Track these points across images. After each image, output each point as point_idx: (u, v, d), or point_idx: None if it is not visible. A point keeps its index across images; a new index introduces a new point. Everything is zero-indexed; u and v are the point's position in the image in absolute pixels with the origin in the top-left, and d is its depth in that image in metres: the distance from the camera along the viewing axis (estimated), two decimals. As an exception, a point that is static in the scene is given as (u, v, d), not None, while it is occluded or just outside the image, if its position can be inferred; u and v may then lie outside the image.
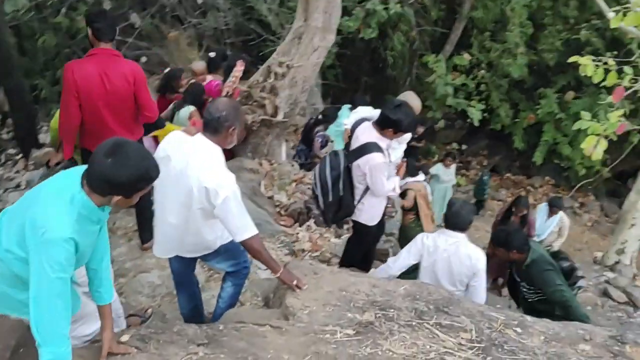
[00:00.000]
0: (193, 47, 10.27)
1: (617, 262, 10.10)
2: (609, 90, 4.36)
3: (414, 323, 3.32)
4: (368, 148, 4.38)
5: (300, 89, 6.53)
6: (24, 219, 2.36)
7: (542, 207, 8.98)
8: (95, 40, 4.21)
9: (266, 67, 6.44)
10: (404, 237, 6.26)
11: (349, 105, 8.95)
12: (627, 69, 4.35)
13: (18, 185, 6.62)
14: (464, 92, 13.55)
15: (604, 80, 4.21)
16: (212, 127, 3.22)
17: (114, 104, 4.26)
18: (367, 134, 4.45)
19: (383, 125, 4.37)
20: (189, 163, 3.16)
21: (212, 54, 7.36)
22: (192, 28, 10.12)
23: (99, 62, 4.17)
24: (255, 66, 8.11)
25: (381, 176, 4.43)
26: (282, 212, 6.25)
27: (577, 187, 9.57)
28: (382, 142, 4.43)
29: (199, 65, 6.71)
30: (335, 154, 4.69)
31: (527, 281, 4.77)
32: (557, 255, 5.31)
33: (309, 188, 6.60)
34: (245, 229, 3.21)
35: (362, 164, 4.41)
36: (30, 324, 2.37)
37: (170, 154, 3.25)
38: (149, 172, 2.44)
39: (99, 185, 2.37)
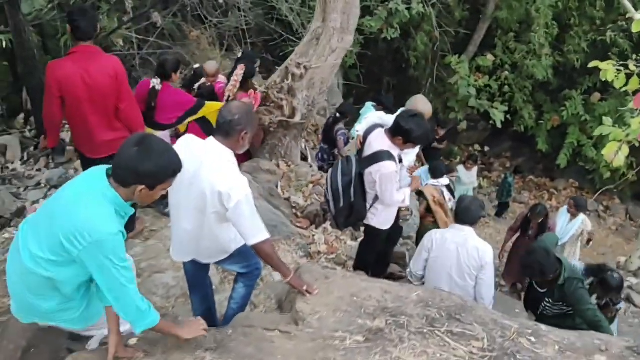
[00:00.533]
0: (214, 47, 10.28)
1: (640, 269, 9.94)
2: (635, 93, 4.25)
3: (425, 330, 3.27)
4: (380, 156, 4.35)
5: (318, 90, 6.50)
6: (53, 228, 2.44)
7: (564, 210, 8.78)
8: (73, 38, 4.28)
9: (284, 68, 6.42)
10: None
11: (372, 103, 8.88)
12: (650, 73, 4.23)
13: (38, 184, 6.68)
14: (487, 94, 13.41)
15: (626, 85, 4.09)
16: (224, 131, 3.20)
17: (96, 100, 4.33)
18: (379, 141, 4.42)
19: (394, 133, 4.33)
20: (202, 166, 3.15)
21: (240, 54, 7.38)
22: (214, 28, 10.13)
23: (79, 60, 4.24)
24: (276, 67, 8.13)
25: (391, 186, 4.39)
26: (299, 214, 6.23)
27: (601, 191, 9.42)
28: (394, 150, 4.40)
29: (211, 65, 6.67)
30: (347, 159, 4.65)
31: (559, 298, 4.61)
32: (604, 269, 5.15)
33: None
34: (257, 232, 3.20)
35: (373, 172, 4.39)
36: (118, 313, 2.62)
37: (182, 157, 3.25)
38: (173, 163, 2.57)
39: (125, 175, 2.47)
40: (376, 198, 4.57)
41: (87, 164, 4.55)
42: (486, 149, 17.00)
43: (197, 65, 7.23)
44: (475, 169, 11.20)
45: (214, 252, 3.55)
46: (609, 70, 4.03)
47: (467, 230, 4.49)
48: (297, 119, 6.42)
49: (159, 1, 9.41)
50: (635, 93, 4.38)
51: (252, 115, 3.36)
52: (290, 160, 6.87)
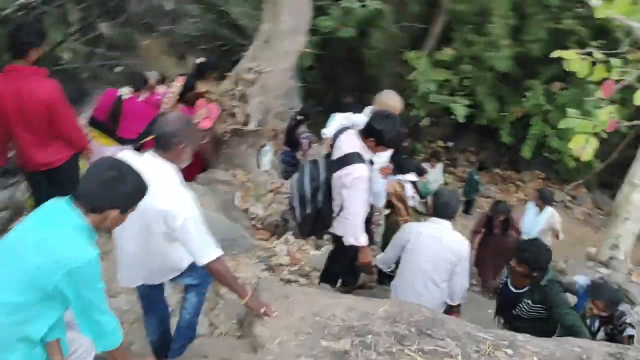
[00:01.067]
0: (167, 55, 9.95)
1: (611, 258, 9.84)
2: (600, 83, 4.08)
3: (394, 350, 3.03)
4: (350, 158, 4.01)
5: (273, 95, 6.24)
6: (19, 268, 2.30)
7: (531, 204, 8.68)
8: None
9: (234, 75, 6.13)
10: (386, 236, 5.96)
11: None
12: (615, 61, 4.06)
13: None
14: (448, 88, 13.30)
15: (590, 74, 3.91)
16: (161, 144, 3.00)
17: (29, 122, 4.21)
18: (350, 142, 4.09)
19: (366, 134, 4.02)
20: None
21: (199, 60, 7.09)
22: (165, 36, 9.79)
23: (14, 80, 4.11)
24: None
25: (359, 193, 4.05)
26: (259, 226, 5.96)
27: (575, 183, 9.33)
28: (366, 152, 4.08)
29: (151, 75, 6.28)
30: (314, 162, 4.32)
31: (539, 300, 4.42)
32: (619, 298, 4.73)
33: (285, 198, 6.30)
34: (207, 251, 2.99)
35: (342, 175, 4.02)
36: (83, 330, 2.49)
37: None
38: (145, 184, 2.52)
39: (98, 200, 2.40)
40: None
41: (28, 177, 4.69)
42: (450, 144, 16.92)
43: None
44: (439, 166, 11.08)
45: (165, 272, 3.35)
46: (573, 60, 3.85)
47: (445, 224, 4.39)
48: (252, 126, 6.15)
49: (106, 11, 9.05)
50: (600, 83, 4.22)
51: (191, 128, 3.15)
52: (247, 169, 6.59)
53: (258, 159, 7.14)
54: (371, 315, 3.35)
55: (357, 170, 3.97)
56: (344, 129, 4.26)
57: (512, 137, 15.10)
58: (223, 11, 9.91)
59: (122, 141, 5.47)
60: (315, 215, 4.30)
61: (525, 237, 8.32)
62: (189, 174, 5.28)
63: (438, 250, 4.32)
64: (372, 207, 4.72)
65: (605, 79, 3.77)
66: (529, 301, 4.47)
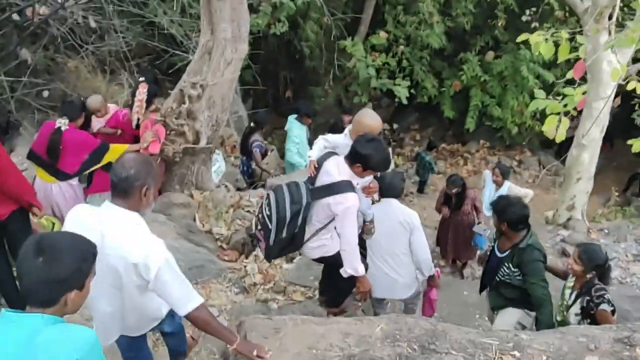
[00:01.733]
0: (96, 75, 9.47)
1: (569, 219, 10.03)
2: (528, 45, 4.01)
3: (400, 375, 2.88)
4: (343, 187, 3.94)
5: (220, 108, 5.95)
6: None
7: (489, 180, 8.69)
8: None
9: (178, 91, 5.81)
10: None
11: (295, 115, 8.58)
12: (581, 39, 4.00)
13: None
14: (387, 71, 13.25)
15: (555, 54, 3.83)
16: (120, 191, 2.73)
17: None
18: (339, 169, 4.02)
19: (353, 160, 3.95)
20: (105, 240, 2.67)
21: (141, 79, 6.75)
22: (91, 55, 9.30)
23: None
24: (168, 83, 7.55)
25: (353, 221, 4.00)
26: (225, 246, 5.71)
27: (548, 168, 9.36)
28: (354, 179, 4.03)
29: (94, 100, 5.92)
30: (296, 186, 4.14)
31: (517, 264, 4.42)
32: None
33: (248, 212, 6.07)
34: (187, 300, 2.77)
35: (333, 203, 3.93)
36: None
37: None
38: (87, 245, 2.19)
39: (44, 295, 2.06)
40: (318, 231, 4.13)
41: None
42: (395, 126, 16.93)
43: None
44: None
45: (144, 324, 3.15)
46: (539, 42, 3.75)
47: (393, 202, 4.87)
48: (203, 143, 5.86)
49: (26, 36, 8.52)
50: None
51: (151, 165, 2.87)
52: (203, 188, 6.30)
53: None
54: (369, 338, 3.19)
55: (349, 200, 3.91)
56: (330, 153, 4.19)
57: (454, 111, 15.23)
58: (151, 22, 9.47)
59: (62, 175, 5.19)
60: (289, 240, 4.16)
61: (486, 211, 8.38)
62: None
63: (389, 224, 4.76)
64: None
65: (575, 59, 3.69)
66: (510, 265, 4.47)
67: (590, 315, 4.20)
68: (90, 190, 5.56)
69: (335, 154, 4.17)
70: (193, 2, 9.58)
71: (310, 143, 8.54)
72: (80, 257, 2.13)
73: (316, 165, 4.16)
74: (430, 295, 5.15)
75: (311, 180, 4.19)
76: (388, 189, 4.91)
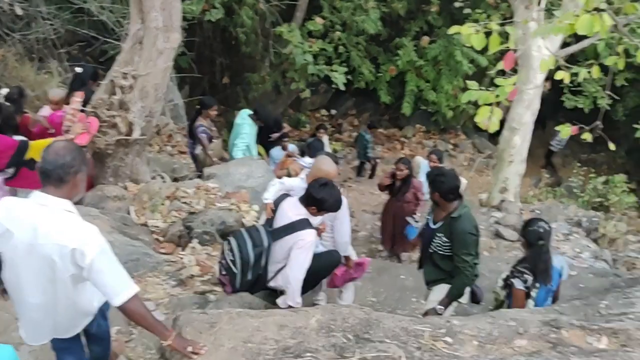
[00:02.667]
0: (23, 63, 9.11)
1: (502, 201, 10.33)
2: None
3: (336, 365, 2.93)
4: (301, 225, 4.27)
5: (154, 99, 5.83)
6: None
7: (425, 166, 8.86)
8: None
9: (109, 82, 5.66)
10: None
11: (249, 112, 8.42)
12: (510, 29, 4.10)
13: None
14: (324, 57, 13.26)
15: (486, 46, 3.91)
16: (55, 179, 2.70)
17: None
18: (295, 210, 4.36)
19: (308, 202, 4.32)
20: (37, 230, 2.66)
21: (78, 69, 6.51)
22: (19, 43, 8.93)
23: None
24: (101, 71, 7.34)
25: (305, 257, 4.23)
26: (161, 239, 5.62)
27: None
28: (312, 219, 4.36)
29: (55, 93, 5.76)
30: (256, 230, 4.45)
31: (447, 233, 4.52)
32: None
33: (184, 203, 5.99)
34: (122, 288, 2.77)
35: (294, 241, 4.23)
36: None
37: (9, 227, 2.72)
38: None
39: None
40: (281, 269, 4.39)
41: None
42: (332, 111, 17.03)
43: (4, 90, 6.26)
44: (325, 137, 11.09)
45: (76, 320, 3.09)
46: (470, 34, 3.82)
47: None
48: (136, 134, 5.74)
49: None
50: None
51: (82, 152, 2.87)
52: (138, 180, 6.18)
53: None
54: (304, 330, 3.22)
55: (308, 236, 4.22)
56: (285, 195, 4.53)
57: (390, 96, 15.44)
58: (80, 8, 9.15)
59: None
60: (253, 282, 4.47)
61: (422, 200, 8.56)
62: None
63: (293, 181, 4.99)
64: None
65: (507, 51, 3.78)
66: (442, 235, 4.57)
67: (507, 287, 4.45)
68: (13, 183, 5.37)
69: (289, 195, 4.51)
70: (124, -12, 9.33)
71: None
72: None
73: (273, 208, 4.46)
74: (336, 272, 5.16)
75: (269, 222, 4.47)
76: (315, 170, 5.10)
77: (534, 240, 4.38)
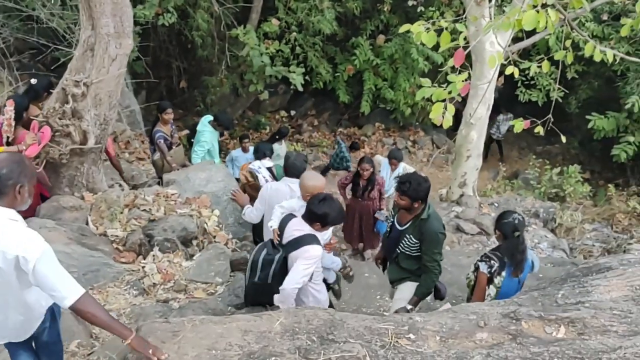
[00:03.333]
0: (-28, 75, 8.87)
1: (461, 195, 10.47)
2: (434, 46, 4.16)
3: (301, 367, 2.93)
4: (307, 239, 4.29)
5: (108, 106, 5.73)
6: None
7: (385, 163, 8.97)
8: None
9: (61, 90, 5.54)
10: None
11: (210, 118, 8.33)
12: (460, 27, 4.15)
13: None
14: (281, 59, 13.25)
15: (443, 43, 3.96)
16: None
17: None
18: (301, 227, 4.38)
19: (311, 219, 4.34)
20: None
21: (33, 81, 6.36)
22: (-33, 52, 8.69)
23: None
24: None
25: (304, 269, 4.25)
26: (121, 248, 5.54)
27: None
28: (320, 235, 4.39)
29: None
30: (272, 245, 4.56)
31: (417, 234, 4.58)
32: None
33: (144, 211, 5.91)
34: (69, 291, 2.78)
35: (299, 254, 4.25)
36: None
37: None
38: None
39: None
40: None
41: None
42: (292, 112, 17.02)
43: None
44: (283, 142, 11.08)
45: (27, 323, 3.10)
46: (420, 32, 3.86)
47: (296, 183, 5.15)
48: (91, 143, 5.64)
49: None
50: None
51: (24, 164, 2.89)
52: (95, 189, 6.07)
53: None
54: (269, 334, 3.21)
55: (314, 250, 4.23)
56: (290, 215, 4.55)
57: (349, 95, 15.52)
58: (29, 16, 8.94)
59: None
60: (260, 287, 4.50)
61: (385, 196, 8.64)
62: (28, 209, 4.83)
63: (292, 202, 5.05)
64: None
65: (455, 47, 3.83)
66: (411, 236, 4.63)
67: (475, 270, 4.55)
68: None
69: (294, 215, 4.54)
70: (74, -6, 9.15)
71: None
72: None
73: (278, 233, 4.51)
74: None
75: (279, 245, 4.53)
76: (291, 169, 5.51)
77: (510, 232, 4.48)
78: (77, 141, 5.59)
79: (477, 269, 4.58)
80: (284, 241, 4.43)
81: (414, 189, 4.47)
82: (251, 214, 5.47)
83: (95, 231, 5.62)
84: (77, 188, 5.98)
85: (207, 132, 8.04)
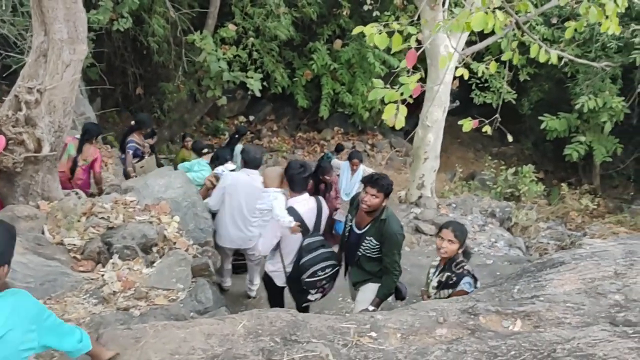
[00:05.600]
0: None
1: (420, 197, 10.62)
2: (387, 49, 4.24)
3: (265, 369, 2.94)
4: None
5: (62, 113, 5.62)
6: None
7: (345, 165, 9.04)
8: None
9: (14, 97, 5.42)
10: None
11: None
12: (412, 29, 4.24)
13: None
14: (239, 64, 13.22)
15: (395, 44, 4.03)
16: None
17: None
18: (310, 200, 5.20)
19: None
20: None
21: None
22: None
23: None
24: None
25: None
26: (79, 257, 5.43)
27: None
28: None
29: None
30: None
31: (377, 236, 4.65)
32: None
33: (102, 219, 5.82)
34: None
35: None
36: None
37: None
38: (12, 229, 2.76)
39: None
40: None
41: None
42: (251, 117, 16.99)
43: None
44: (238, 146, 11.05)
45: None
46: (373, 34, 3.92)
47: (254, 173, 6.04)
48: (46, 150, 5.52)
49: None
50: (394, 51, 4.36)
51: None
52: (51, 197, 5.95)
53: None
54: (232, 336, 3.22)
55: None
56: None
57: (307, 99, 15.60)
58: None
59: None
60: None
61: (344, 197, 8.71)
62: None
63: (250, 191, 5.97)
64: None
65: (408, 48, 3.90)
66: (372, 238, 4.69)
67: (450, 287, 4.39)
68: None
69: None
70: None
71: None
72: (10, 237, 2.66)
73: (298, 223, 4.99)
74: None
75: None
76: (250, 162, 6.07)
77: (470, 249, 4.60)
78: (31, 149, 5.47)
79: (450, 285, 4.41)
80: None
81: (388, 185, 4.60)
82: (210, 202, 6.22)
83: (52, 240, 5.50)
84: (32, 197, 5.84)
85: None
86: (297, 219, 4.97)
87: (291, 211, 4.99)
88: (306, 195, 5.23)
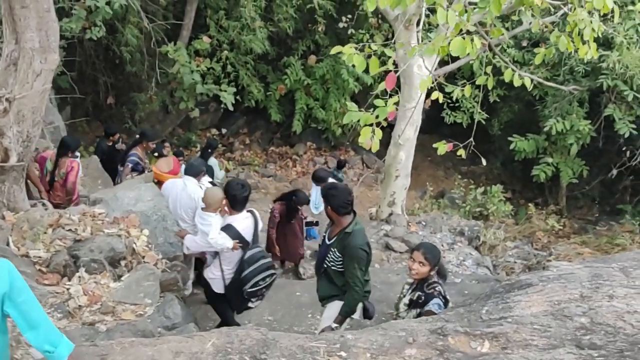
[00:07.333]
0: None
1: (390, 214, 10.66)
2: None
3: (233, 389, 2.91)
4: None
5: (31, 122, 5.54)
6: None
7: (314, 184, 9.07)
8: None
9: (-19, 106, 5.33)
10: None
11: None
12: (389, 52, 4.28)
13: None
14: (213, 76, 13.19)
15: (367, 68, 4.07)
16: None
17: None
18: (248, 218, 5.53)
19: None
20: None
21: None
22: None
23: None
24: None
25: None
26: (44, 269, 5.32)
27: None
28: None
29: None
30: None
31: (339, 248, 4.63)
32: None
33: (69, 231, 5.72)
34: None
35: None
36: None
37: None
38: None
39: None
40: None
41: None
42: (223, 130, 16.94)
43: None
44: (213, 160, 11.00)
45: None
46: (352, 54, 3.96)
47: (191, 180, 6.41)
48: (13, 160, 5.43)
49: None
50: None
51: None
52: (17, 208, 5.84)
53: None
54: (200, 355, 3.19)
55: None
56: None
57: (280, 114, 15.62)
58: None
59: None
60: None
61: (314, 210, 8.75)
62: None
63: (183, 195, 6.36)
64: None
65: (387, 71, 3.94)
66: (335, 250, 4.68)
67: (419, 306, 4.38)
68: None
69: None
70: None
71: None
72: None
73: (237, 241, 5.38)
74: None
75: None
76: (189, 169, 6.57)
77: (439, 257, 4.52)
78: (-2, 159, 5.38)
79: (420, 303, 4.38)
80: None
81: (332, 196, 4.70)
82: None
83: (17, 252, 5.38)
84: (-3, 207, 5.74)
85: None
86: (236, 236, 5.30)
87: (229, 228, 5.32)
88: (244, 213, 5.50)
